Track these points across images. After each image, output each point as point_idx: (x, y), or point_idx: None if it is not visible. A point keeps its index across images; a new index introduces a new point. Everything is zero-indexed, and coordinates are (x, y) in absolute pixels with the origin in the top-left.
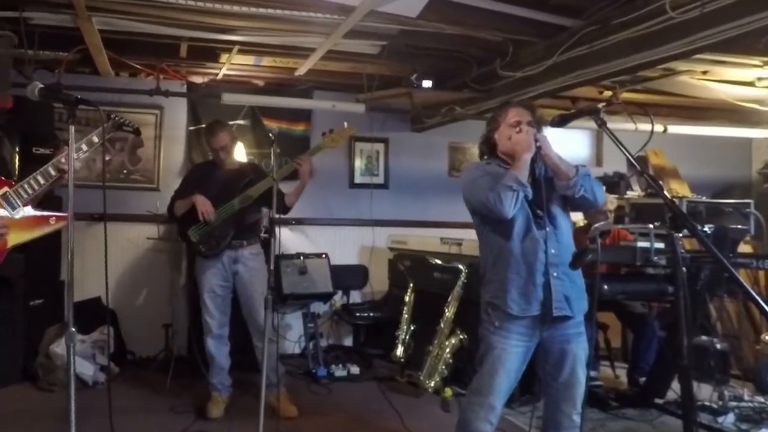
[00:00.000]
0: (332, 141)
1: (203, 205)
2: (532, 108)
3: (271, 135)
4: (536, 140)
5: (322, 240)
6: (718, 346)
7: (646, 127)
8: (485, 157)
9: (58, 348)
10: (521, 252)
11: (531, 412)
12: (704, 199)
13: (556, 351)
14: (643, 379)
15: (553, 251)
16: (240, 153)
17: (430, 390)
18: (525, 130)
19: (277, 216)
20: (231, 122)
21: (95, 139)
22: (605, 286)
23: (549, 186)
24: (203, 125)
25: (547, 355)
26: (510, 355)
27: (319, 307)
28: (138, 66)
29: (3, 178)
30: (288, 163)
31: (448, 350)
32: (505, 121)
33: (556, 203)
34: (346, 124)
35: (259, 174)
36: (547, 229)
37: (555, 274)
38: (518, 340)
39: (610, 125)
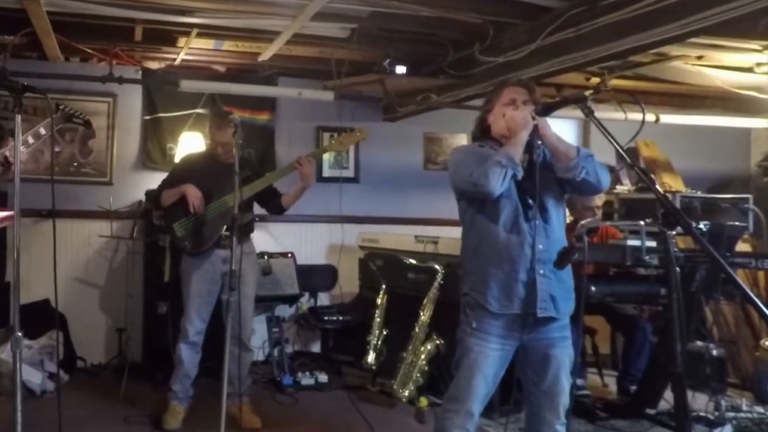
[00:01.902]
0: (339, 144)
1: (194, 195)
2: (529, 87)
3: (233, 125)
4: (533, 118)
5: (287, 238)
6: (715, 352)
7: (636, 116)
8: (478, 141)
9: (3, 354)
10: (505, 244)
11: (505, 423)
12: (699, 193)
13: (539, 356)
14: (633, 388)
15: (541, 246)
16: (199, 144)
17: (403, 399)
18: (521, 107)
19: (238, 214)
20: (189, 111)
21: (42, 131)
22: (593, 288)
23: (545, 175)
24: (160, 114)
25: (528, 359)
26: (488, 358)
27: (284, 311)
28: (89, 50)
29: None
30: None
31: (423, 357)
32: (500, 101)
33: (551, 195)
34: (357, 129)
35: (255, 170)
36: (537, 221)
37: (541, 271)
38: (497, 343)
39: (597, 114)
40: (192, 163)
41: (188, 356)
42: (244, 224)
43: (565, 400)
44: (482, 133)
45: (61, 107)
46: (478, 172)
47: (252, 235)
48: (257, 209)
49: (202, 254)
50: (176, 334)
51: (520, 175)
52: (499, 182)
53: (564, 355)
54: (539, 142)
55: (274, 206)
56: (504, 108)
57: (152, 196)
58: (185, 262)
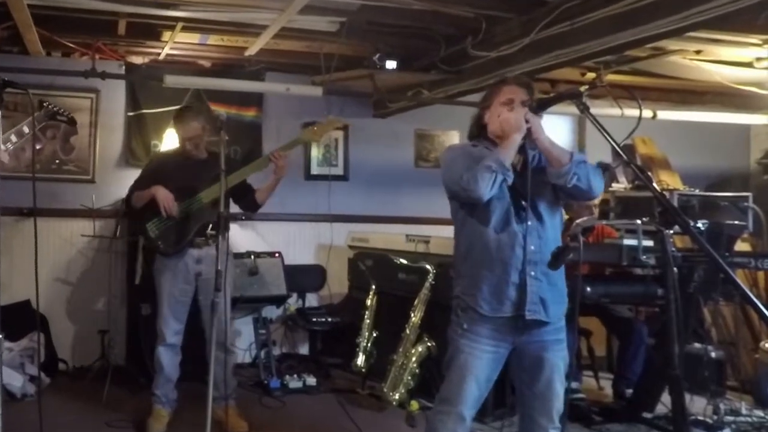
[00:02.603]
0: (314, 134)
1: (165, 198)
2: (529, 86)
3: (219, 121)
4: (526, 121)
5: (274, 237)
6: (713, 354)
7: (633, 112)
8: (474, 140)
9: None
10: (496, 246)
11: (500, 427)
12: (697, 192)
13: (532, 359)
14: (629, 391)
15: (532, 248)
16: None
17: (394, 403)
18: (516, 109)
19: (227, 212)
20: (174, 107)
21: (26, 130)
22: (588, 289)
23: (538, 177)
24: (144, 110)
25: (521, 362)
26: (478, 360)
27: (271, 312)
28: (72, 45)
29: None
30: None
31: (414, 359)
32: (498, 99)
33: (545, 197)
34: (331, 116)
35: (228, 166)
36: (529, 223)
37: (532, 273)
38: (488, 345)
39: (593, 110)
40: (162, 161)
41: (168, 359)
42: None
43: (558, 405)
44: (479, 130)
45: (44, 104)
46: (467, 176)
47: (228, 234)
48: (234, 208)
49: (176, 254)
50: (155, 336)
51: (510, 180)
52: (488, 188)
53: (558, 358)
54: (534, 146)
55: (249, 202)
56: (501, 107)
57: (126, 196)
58: (158, 262)
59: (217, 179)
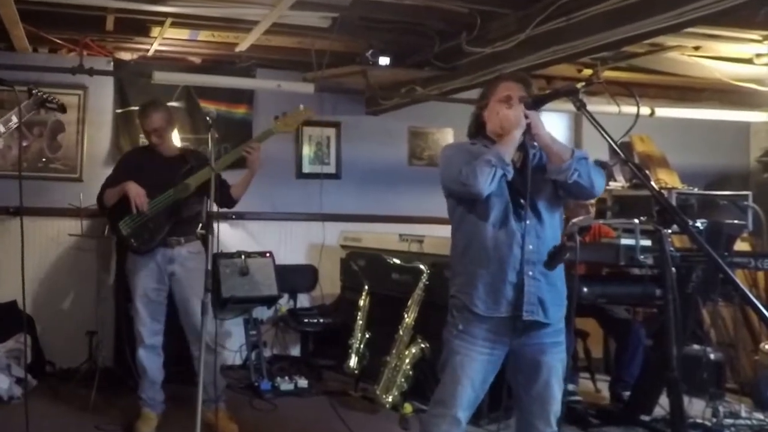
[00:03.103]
0: (285, 125)
1: (136, 193)
2: (526, 81)
3: (208, 118)
4: (525, 117)
5: (265, 237)
6: (712, 356)
7: (630, 109)
8: (473, 139)
9: None
10: (493, 244)
11: (495, 431)
12: (696, 190)
13: (530, 361)
14: (627, 394)
15: (530, 247)
16: (174, 138)
17: (387, 406)
18: (515, 106)
19: (216, 209)
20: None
21: (14, 119)
22: (584, 289)
23: (538, 175)
24: (132, 107)
25: (519, 365)
26: (474, 362)
27: (262, 313)
28: (59, 41)
29: None
30: (230, 150)
31: (407, 361)
32: (495, 96)
33: (545, 196)
34: (301, 106)
35: (200, 161)
36: (528, 222)
37: (531, 273)
38: (484, 347)
39: (590, 107)
40: (133, 158)
41: (150, 361)
42: (188, 218)
43: (556, 408)
44: (478, 129)
45: (33, 92)
46: (466, 170)
47: (198, 232)
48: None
49: (149, 253)
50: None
51: (510, 175)
52: (487, 182)
53: (556, 360)
54: (535, 143)
55: (224, 197)
56: (498, 105)
57: (97, 194)
58: (130, 260)
59: (187, 176)
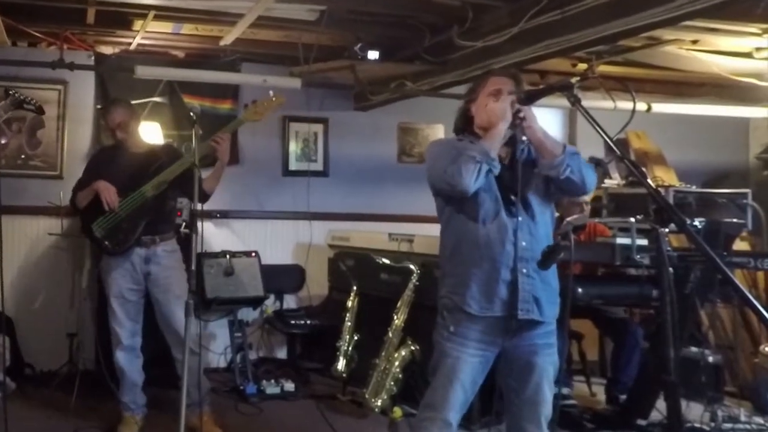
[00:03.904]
0: (255, 114)
1: (106, 191)
2: (517, 77)
3: (192, 114)
4: (518, 111)
5: (251, 236)
6: (710, 358)
7: (626, 105)
8: (460, 135)
9: None
10: (485, 242)
11: None
12: (694, 188)
13: (521, 363)
14: (623, 397)
15: (524, 244)
16: (156, 135)
17: (376, 410)
18: (502, 99)
19: (201, 208)
20: (146, 100)
21: None
22: (579, 290)
23: (528, 170)
24: None
25: (510, 367)
26: (466, 365)
27: (247, 314)
28: (38, 34)
29: None
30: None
31: (397, 364)
32: (484, 91)
33: (537, 191)
34: (272, 93)
35: (172, 156)
36: (520, 218)
37: (524, 270)
38: (476, 348)
39: (585, 103)
40: (103, 157)
41: (128, 363)
42: (163, 216)
43: (547, 411)
44: (465, 124)
45: (10, 93)
46: (451, 169)
47: (174, 228)
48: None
49: (123, 253)
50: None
51: (496, 170)
52: (472, 179)
53: (547, 363)
54: (524, 138)
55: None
56: (487, 98)
57: (69, 199)
58: (104, 261)
59: (159, 172)
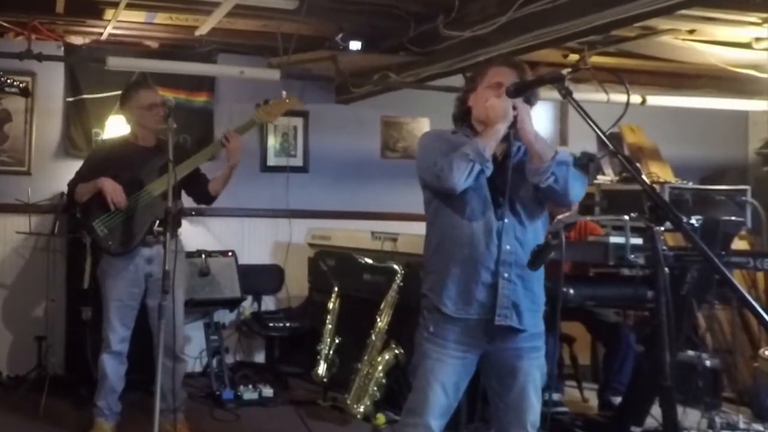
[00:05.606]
0: (267, 115)
1: (112, 190)
2: (521, 68)
3: (166, 107)
4: (513, 108)
5: (227, 234)
6: (708, 362)
7: (620, 97)
8: (458, 125)
9: None
10: (469, 240)
11: None
12: (691, 184)
13: (505, 367)
14: (617, 402)
15: (508, 247)
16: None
17: (358, 416)
18: (504, 96)
19: (179, 206)
20: (117, 92)
21: None
22: (571, 291)
23: (520, 172)
24: (84, 95)
25: (494, 370)
26: (445, 366)
27: (224, 316)
28: (5, 24)
29: None
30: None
31: (380, 368)
32: (485, 81)
33: (527, 194)
34: (284, 93)
35: (179, 154)
36: (506, 220)
37: (506, 275)
38: (455, 350)
39: (576, 95)
40: (108, 150)
41: (112, 368)
42: (167, 217)
43: (533, 417)
44: (463, 115)
45: None
46: (442, 162)
47: (180, 230)
48: (187, 201)
49: (126, 254)
50: (98, 343)
51: (489, 171)
52: (463, 177)
53: (533, 367)
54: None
55: (202, 194)
56: (487, 91)
57: (68, 189)
58: (104, 262)
59: (165, 168)
